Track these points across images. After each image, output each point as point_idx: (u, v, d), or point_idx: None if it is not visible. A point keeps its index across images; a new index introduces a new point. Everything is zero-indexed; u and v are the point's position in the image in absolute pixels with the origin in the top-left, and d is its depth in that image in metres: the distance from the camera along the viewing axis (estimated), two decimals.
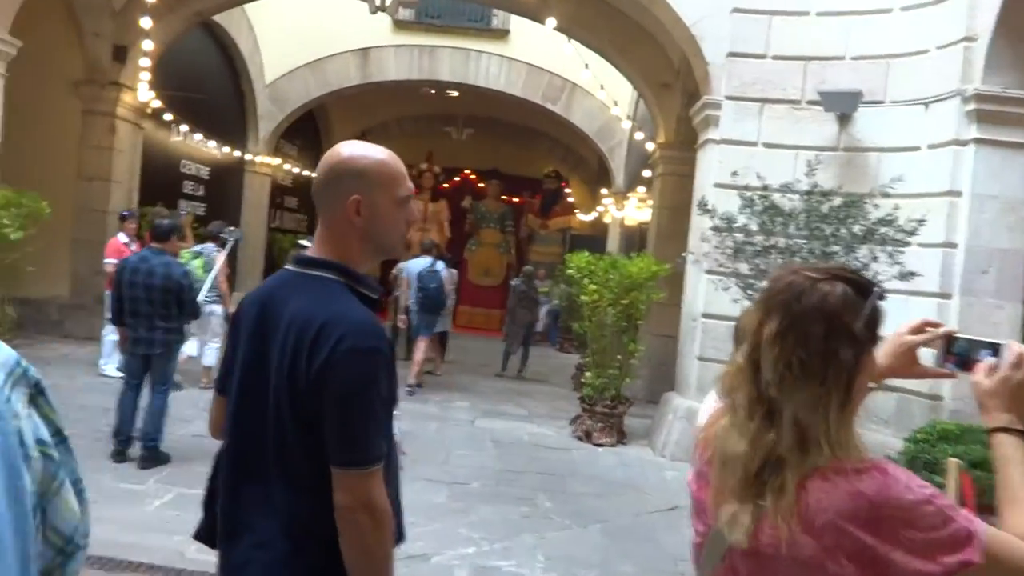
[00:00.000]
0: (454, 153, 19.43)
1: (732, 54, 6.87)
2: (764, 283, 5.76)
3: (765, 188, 6.26)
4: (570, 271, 7.30)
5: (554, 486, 5.96)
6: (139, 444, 5.38)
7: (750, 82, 6.80)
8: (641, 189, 11.73)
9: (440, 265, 9.36)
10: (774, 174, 6.39)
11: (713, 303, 7.03)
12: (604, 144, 15.21)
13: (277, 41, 14.28)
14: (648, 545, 4.92)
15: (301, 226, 18.18)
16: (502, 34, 14.70)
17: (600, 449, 7.17)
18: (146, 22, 8.67)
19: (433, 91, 15.71)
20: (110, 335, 7.78)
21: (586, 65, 9.69)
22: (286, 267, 1.69)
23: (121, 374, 7.65)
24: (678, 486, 6.23)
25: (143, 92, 9.96)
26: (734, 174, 6.55)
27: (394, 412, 1.64)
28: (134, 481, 5.02)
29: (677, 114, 9.60)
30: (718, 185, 6.98)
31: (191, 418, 6.18)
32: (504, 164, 19.47)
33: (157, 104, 10.56)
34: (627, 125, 10.49)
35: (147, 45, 9.07)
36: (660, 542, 4.97)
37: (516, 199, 19.80)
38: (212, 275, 7.92)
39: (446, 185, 19.60)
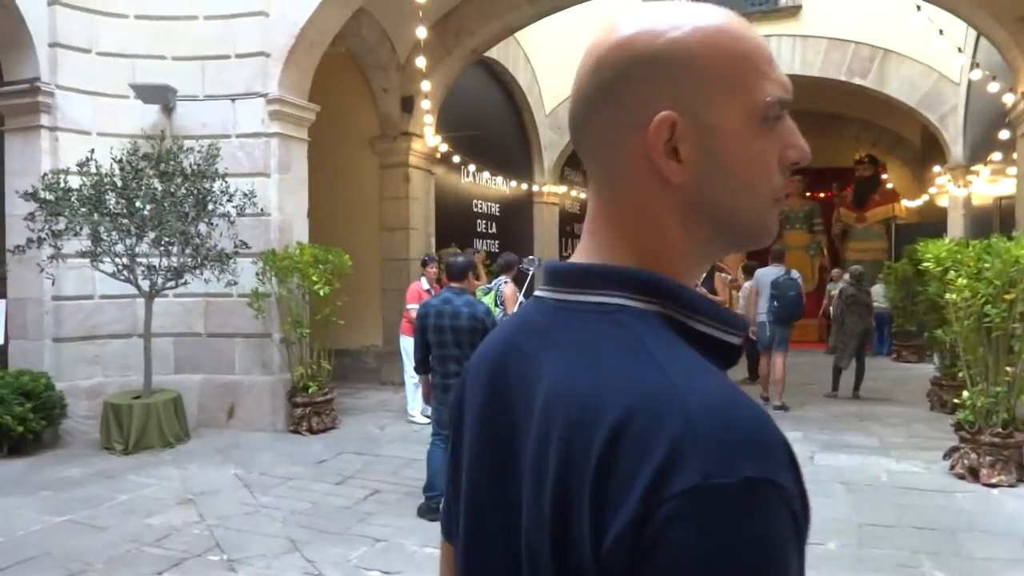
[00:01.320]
0: None
1: None
2: None
3: None
4: (927, 264, 5.75)
5: (942, 546, 4.53)
6: None
7: None
8: (997, 156, 9.46)
9: (796, 273, 8.95)
10: None
11: None
12: (932, 113, 12.85)
13: (553, 68, 14.17)
14: None
15: None
16: (793, 11, 13.15)
17: (994, 491, 5.49)
18: (423, 63, 8.75)
19: None
20: (411, 379, 7.78)
21: (918, 7, 7.97)
22: (537, 291, 0.83)
23: (428, 419, 7.66)
24: None
25: (430, 138, 10.17)
26: None
27: None
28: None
29: None
30: None
31: None
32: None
33: (445, 148, 10.79)
34: (976, 75, 8.43)
35: (426, 86, 9.17)
36: None
37: (823, 194, 17.71)
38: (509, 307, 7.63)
39: None
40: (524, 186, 14.41)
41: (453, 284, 5.06)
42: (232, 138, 7.48)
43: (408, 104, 9.95)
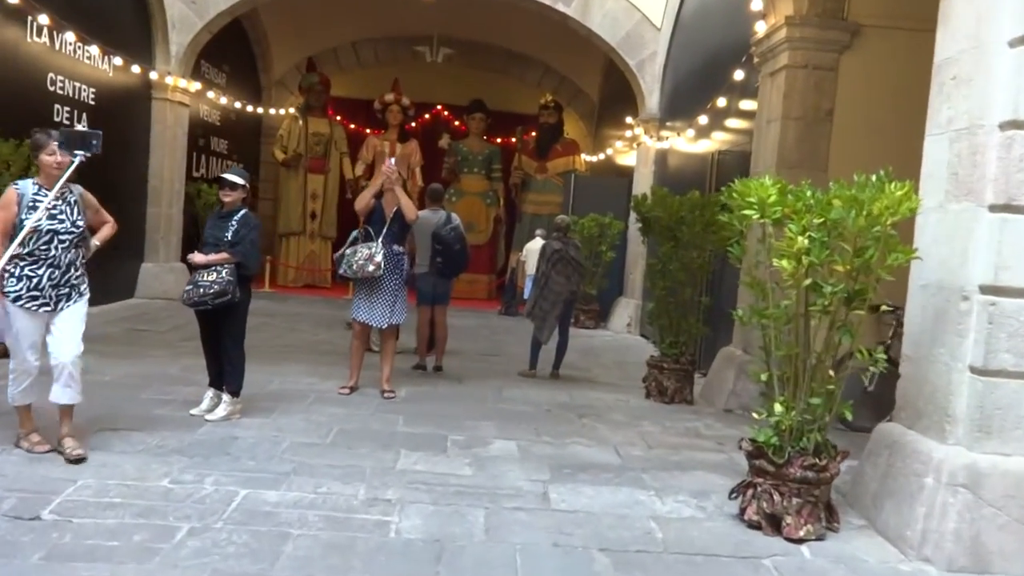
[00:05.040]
0: (427, 83, 15.71)
1: None
2: None
3: None
4: (748, 212, 3.78)
5: None
6: None
7: None
8: (722, 102, 8.23)
9: (457, 219, 7.65)
10: None
11: (1016, 267, 3.70)
12: (632, 57, 11.71)
13: None
14: None
15: None
16: None
17: (804, 550, 3.77)
18: None
19: None
20: None
21: None
22: None
23: None
24: None
25: None
26: None
27: None
28: None
29: None
30: None
31: None
32: (488, 97, 15.78)
33: None
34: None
35: None
36: None
37: (500, 140, 16.20)
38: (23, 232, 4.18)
39: (413, 124, 15.94)
40: (137, 69, 10.41)
41: None
42: None
43: None
